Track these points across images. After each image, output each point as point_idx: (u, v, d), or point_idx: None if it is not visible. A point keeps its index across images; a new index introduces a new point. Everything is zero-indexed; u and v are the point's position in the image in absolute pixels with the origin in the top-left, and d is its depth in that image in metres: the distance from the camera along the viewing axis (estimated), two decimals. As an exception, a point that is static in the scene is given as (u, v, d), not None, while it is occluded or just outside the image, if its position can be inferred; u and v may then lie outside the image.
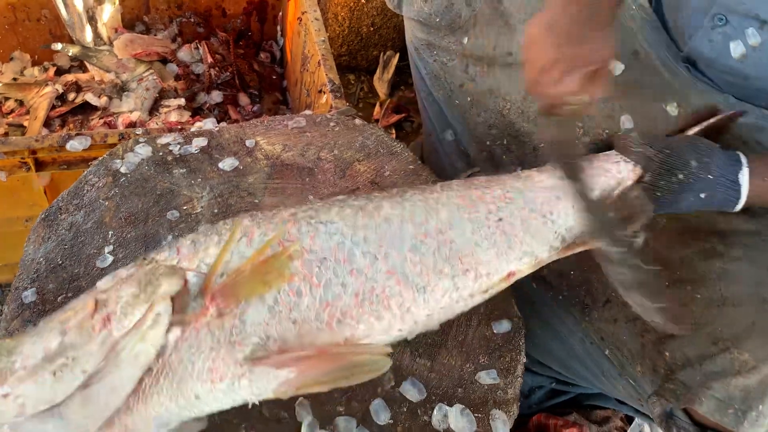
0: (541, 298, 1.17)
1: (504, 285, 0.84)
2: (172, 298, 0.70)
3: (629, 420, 1.40)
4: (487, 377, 0.89)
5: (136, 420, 0.69)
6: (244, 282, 0.71)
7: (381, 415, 0.83)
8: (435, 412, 0.84)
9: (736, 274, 0.95)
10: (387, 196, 0.86)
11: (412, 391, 0.85)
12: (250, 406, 0.71)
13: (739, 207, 0.89)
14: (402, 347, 0.89)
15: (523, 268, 0.84)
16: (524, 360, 0.92)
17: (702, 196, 0.87)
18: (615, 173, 0.89)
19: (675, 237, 1.04)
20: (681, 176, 0.85)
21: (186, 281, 0.72)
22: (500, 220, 0.83)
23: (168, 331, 0.69)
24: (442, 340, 0.91)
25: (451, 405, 0.85)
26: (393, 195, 0.86)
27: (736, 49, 1.01)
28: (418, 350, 0.90)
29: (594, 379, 1.14)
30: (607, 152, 0.92)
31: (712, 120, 0.91)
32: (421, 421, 0.84)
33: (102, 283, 0.74)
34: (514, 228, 0.83)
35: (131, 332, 0.67)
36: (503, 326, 0.94)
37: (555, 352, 1.20)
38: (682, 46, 1.11)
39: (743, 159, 0.89)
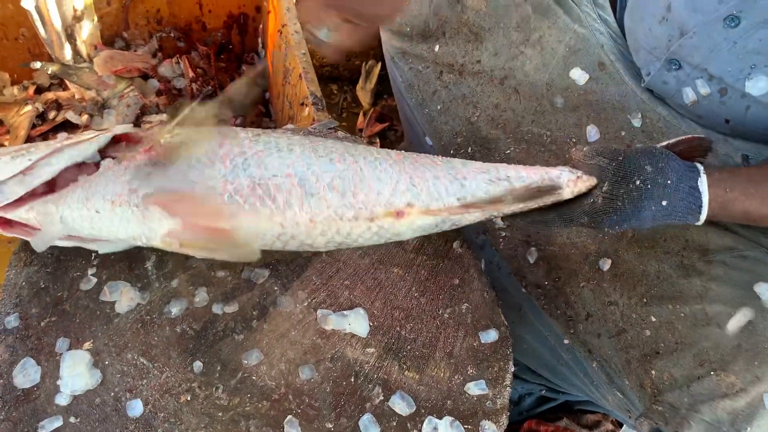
0: (529, 304, 1.17)
1: (391, 221, 0.88)
2: (126, 145, 0.91)
3: (620, 424, 1.41)
4: (475, 388, 0.89)
5: (47, 209, 0.86)
6: (177, 146, 0.88)
7: (371, 430, 0.82)
8: (425, 425, 0.84)
9: (719, 294, 0.96)
10: (337, 138, 0.97)
11: (401, 405, 0.85)
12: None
13: (702, 217, 0.87)
14: (390, 360, 0.89)
15: (411, 213, 0.88)
16: (512, 369, 0.92)
17: (663, 203, 0.85)
18: (553, 177, 0.89)
19: (646, 248, 1.04)
20: (638, 182, 0.84)
21: (141, 137, 0.93)
22: (414, 169, 0.89)
23: (104, 158, 0.89)
24: (430, 352, 0.91)
25: (440, 417, 0.85)
26: (342, 139, 0.97)
27: (688, 95, 1.03)
28: (406, 363, 0.90)
29: (584, 387, 1.14)
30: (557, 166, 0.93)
31: (678, 138, 0.92)
32: (410, 435, 0.83)
33: None
34: (422, 178, 0.89)
35: (74, 143, 0.88)
36: (490, 336, 0.94)
37: (544, 358, 1.20)
38: (643, 78, 1.13)
39: (699, 167, 0.88)
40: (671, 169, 0.85)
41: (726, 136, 1.06)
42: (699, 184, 0.86)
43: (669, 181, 0.85)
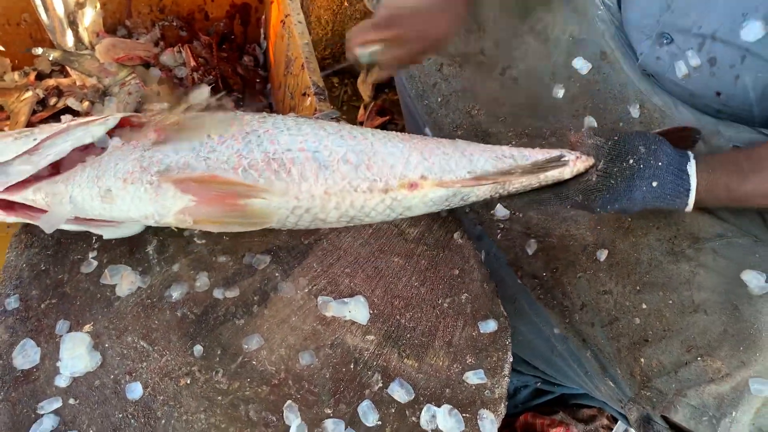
0: (525, 296, 1.18)
1: (404, 193, 0.90)
2: (131, 129, 0.89)
3: (615, 419, 1.41)
4: (474, 377, 0.89)
5: (57, 191, 0.84)
6: (185, 122, 0.87)
7: (369, 416, 0.83)
8: (423, 412, 0.84)
9: (706, 280, 0.97)
10: (344, 125, 0.96)
11: (399, 392, 0.85)
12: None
13: (690, 200, 0.91)
14: (389, 348, 0.89)
15: (425, 185, 0.90)
16: (511, 359, 0.93)
17: (654, 184, 0.89)
18: (554, 155, 0.93)
19: (641, 237, 1.06)
20: (631, 161, 0.88)
21: (146, 122, 0.91)
22: (424, 146, 0.91)
23: (112, 137, 0.88)
24: (429, 341, 0.92)
25: (439, 405, 0.85)
26: (348, 126, 0.96)
27: (680, 69, 1.06)
28: (405, 351, 0.90)
29: (577, 378, 1.15)
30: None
31: (668, 127, 0.95)
32: (409, 422, 0.84)
33: None
34: (432, 153, 0.91)
35: (82, 124, 0.86)
36: (489, 326, 0.94)
37: (539, 349, 1.21)
38: (635, 51, 1.15)
39: (689, 153, 0.92)
40: (663, 152, 0.90)
41: (718, 123, 1.08)
42: (688, 167, 0.90)
43: (660, 163, 0.89)
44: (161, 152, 0.85)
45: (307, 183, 0.86)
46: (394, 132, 0.95)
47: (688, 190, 0.90)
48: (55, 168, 0.88)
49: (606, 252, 1.07)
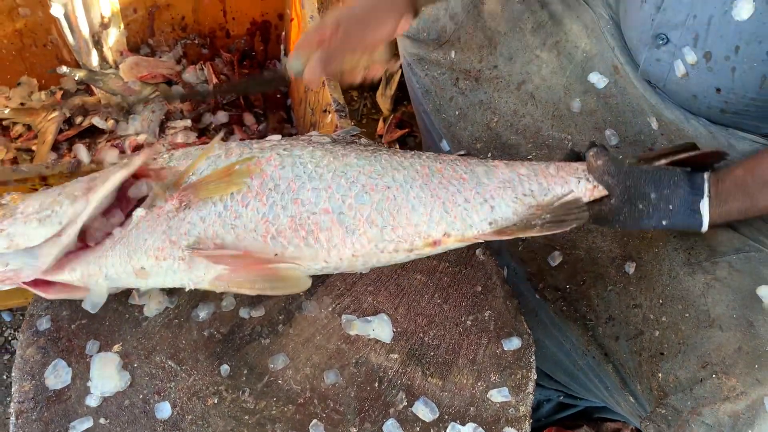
0: (544, 310, 1.18)
1: (429, 250, 0.90)
2: (150, 184, 0.88)
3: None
4: (498, 395, 0.89)
5: (92, 271, 0.85)
6: (206, 185, 0.86)
7: (394, 435, 0.83)
8: (448, 431, 0.85)
9: (722, 294, 0.97)
10: (359, 148, 0.95)
11: (424, 411, 0.86)
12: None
13: (704, 230, 0.91)
14: (413, 366, 0.90)
15: (448, 242, 0.90)
16: (535, 377, 0.93)
17: (664, 223, 0.90)
18: (573, 186, 0.92)
19: (661, 246, 1.06)
20: (641, 206, 0.89)
21: (165, 174, 0.90)
22: (446, 193, 0.90)
23: (135, 210, 0.86)
24: (453, 359, 0.92)
25: (463, 424, 0.85)
26: (364, 149, 0.95)
27: (679, 67, 1.07)
28: (429, 369, 0.90)
29: (599, 393, 1.14)
30: (575, 165, 0.95)
31: (682, 155, 0.93)
32: (434, 441, 0.84)
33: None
34: (455, 205, 0.89)
35: (96, 188, 0.84)
36: (513, 343, 0.94)
37: (561, 363, 1.21)
38: (638, 64, 1.15)
39: (706, 187, 0.90)
40: (676, 196, 0.89)
41: (730, 137, 1.08)
42: (701, 206, 0.89)
43: (671, 207, 0.89)
44: (187, 221, 0.85)
45: (335, 249, 0.86)
46: (412, 164, 0.93)
47: (701, 225, 0.91)
48: (81, 236, 0.88)
49: (634, 265, 1.07)
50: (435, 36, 1.35)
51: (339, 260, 0.88)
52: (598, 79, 1.20)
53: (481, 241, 0.91)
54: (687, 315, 0.98)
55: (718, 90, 1.05)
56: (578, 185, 0.92)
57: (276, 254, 0.85)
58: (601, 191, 0.91)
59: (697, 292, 0.99)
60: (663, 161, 0.93)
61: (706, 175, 0.91)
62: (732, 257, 1.00)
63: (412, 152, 0.96)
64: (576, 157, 0.97)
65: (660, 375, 0.96)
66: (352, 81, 1.07)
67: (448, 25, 1.33)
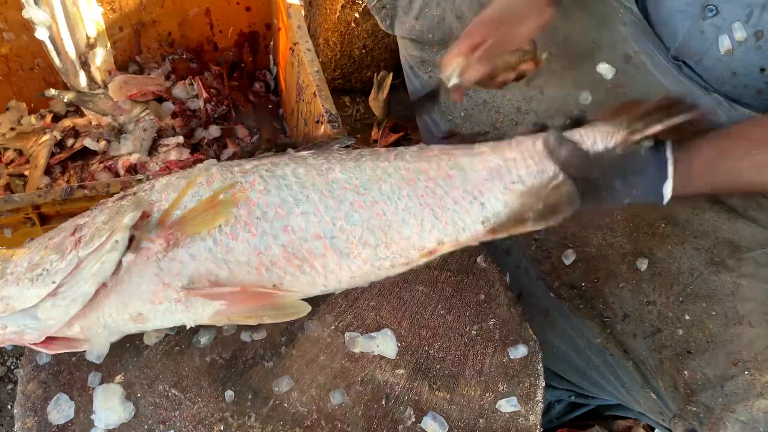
0: (558, 309, 1.17)
1: (425, 260, 0.89)
2: (134, 226, 0.83)
3: (652, 429, 1.39)
4: (507, 405, 0.88)
5: (90, 324, 0.83)
6: (192, 219, 0.83)
7: (404, 453, 0.82)
8: (458, 445, 0.84)
9: (750, 291, 0.95)
10: (343, 158, 0.92)
11: (433, 426, 0.85)
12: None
13: (665, 200, 0.86)
14: (420, 380, 0.89)
15: (443, 248, 0.88)
16: (543, 384, 0.92)
17: (625, 201, 0.85)
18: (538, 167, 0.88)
19: (676, 245, 1.04)
20: (604, 194, 0.85)
21: (149, 214, 0.86)
22: (434, 197, 0.88)
23: (124, 255, 0.82)
24: (460, 371, 0.91)
25: (473, 437, 0.84)
26: (347, 158, 0.92)
27: (724, 43, 1.03)
28: (436, 383, 0.89)
29: (614, 391, 1.13)
30: (536, 140, 0.90)
31: (668, 121, 0.85)
32: (445, 457, 0.83)
33: (89, 211, 0.89)
34: (444, 209, 0.87)
35: (93, 254, 0.81)
36: (520, 351, 0.93)
37: (573, 362, 1.20)
38: (670, 44, 1.12)
39: (670, 170, 0.84)
40: (641, 182, 0.84)
41: (752, 112, 1.05)
42: (664, 189, 0.84)
43: (635, 191, 0.84)
44: (178, 260, 0.82)
45: (332, 274, 0.86)
46: (396, 169, 0.90)
47: (661, 201, 0.85)
48: None
49: (646, 261, 1.06)
50: (440, 37, 1.34)
51: (338, 283, 0.87)
52: (606, 70, 1.19)
53: (476, 243, 0.89)
54: (713, 313, 0.97)
55: (763, 70, 1.02)
56: (543, 168, 0.88)
57: (274, 285, 0.84)
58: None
59: (725, 291, 0.98)
60: (654, 129, 0.85)
61: (669, 155, 0.85)
62: (757, 253, 0.99)
63: (395, 151, 0.93)
64: (541, 129, 0.92)
65: (686, 372, 0.95)
66: (506, 80, 1.06)
67: (454, 25, 1.32)
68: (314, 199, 0.86)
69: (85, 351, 0.88)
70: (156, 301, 0.82)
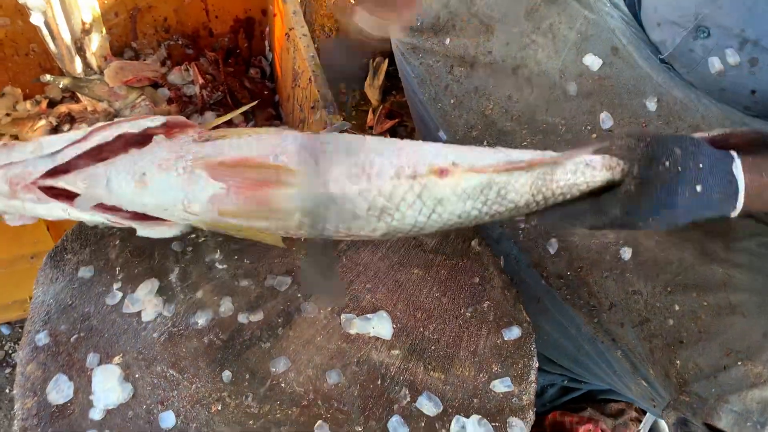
0: (549, 296, 1.18)
1: (434, 180, 0.80)
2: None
3: (644, 411, 1.41)
4: (501, 385, 0.90)
5: (95, 172, 0.86)
6: (229, 133, 0.88)
7: (400, 431, 0.83)
8: (453, 424, 0.85)
9: (742, 281, 0.96)
10: None
11: (428, 405, 0.86)
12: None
13: (738, 205, 0.79)
14: (415, 361, 0.90)
15: (457, 171, 0.80)
16: (537, 365, 0.93)
17: (698, 188, 0.76)
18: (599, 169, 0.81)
19: (665, 234, 1.04)
20: (667, 163, 0.76)
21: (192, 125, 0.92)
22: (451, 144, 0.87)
23: (156, 134, 0.88)
24: (454, 352, 0.92)
25: (468, 416, 0.86)
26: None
27: (715, 65, 1.02)
28: (431, 364, 0.90)
29: (606, 377, 1.14)
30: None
31: (734, 130, 0.82)
32: (439, 435, 0.84)
33: None
34: (461, 150, 0.83)
35: (130, 119, 0.89)
36: (513, 333, 0.95)
37: (565, 349, 1.21)
38: (661, 51, 1.12)
39: (733, 153, 0.79)
40: (702, 154, 0.77)
41: (744, 117, 1.04)
42: (734, 168, 0.78)
43: (701, 165, 0.77)
44: (200, 147, 0.86)
45: (336, 168, 0.82)
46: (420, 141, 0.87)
47: (736, 192, 0.78)
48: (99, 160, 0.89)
49: (630, 250, 1.05)
50: (428, 24, 1.34)
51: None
52: (592, 61, 1.18)
53: (490, 175, 0.80)
54: (705, 303, 0.97)
55: (754, 92, 1.01)
56: (592, 159, 0.81)
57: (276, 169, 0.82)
58: (616, 165, 0.80)
59: (717, 281, 0.97)
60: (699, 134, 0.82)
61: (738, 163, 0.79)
62: (750, 242, 0.99)
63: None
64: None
65: (678, 362, 0.96)
66: None
67: (441, 12, 1.32)
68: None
69: (83, 334, 0.89)
70: (163, 167, 0.84)
